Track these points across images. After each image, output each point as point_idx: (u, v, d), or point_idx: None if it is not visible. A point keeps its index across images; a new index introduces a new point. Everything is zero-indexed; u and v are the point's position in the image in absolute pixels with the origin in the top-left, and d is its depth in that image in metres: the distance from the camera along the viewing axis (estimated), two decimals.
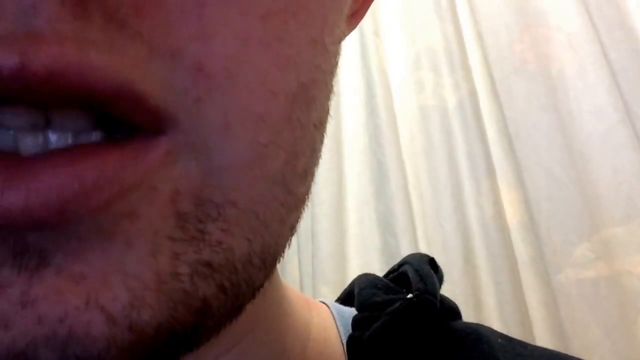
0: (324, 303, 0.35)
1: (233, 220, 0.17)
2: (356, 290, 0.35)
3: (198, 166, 0.16)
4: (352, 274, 1.04)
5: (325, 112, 0.21)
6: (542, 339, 0.98)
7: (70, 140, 0.15)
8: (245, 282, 0.18)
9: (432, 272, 0.34)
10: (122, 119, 0.16)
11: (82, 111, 0.15)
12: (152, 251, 0.16)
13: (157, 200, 0.16)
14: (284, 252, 0.21)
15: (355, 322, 0.32)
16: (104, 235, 0.15)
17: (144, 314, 0.15)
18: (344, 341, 0.32)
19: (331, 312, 0.34)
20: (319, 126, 0.21)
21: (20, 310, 0.14)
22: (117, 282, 0.15)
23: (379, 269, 1.02)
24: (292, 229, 0.21)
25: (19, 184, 0.14)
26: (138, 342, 0.15)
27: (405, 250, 1.04)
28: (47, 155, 0.15)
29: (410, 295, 0.31)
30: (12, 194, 0.14)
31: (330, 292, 1.02)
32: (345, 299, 0.38)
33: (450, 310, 0.34)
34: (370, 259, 1.06)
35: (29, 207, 0.14)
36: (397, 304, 0.30)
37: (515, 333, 0.99)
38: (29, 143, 0.15)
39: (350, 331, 0.32)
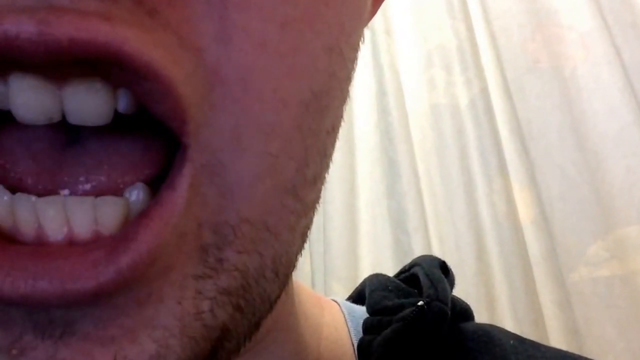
0: (335, 302, 0.35)
1: (247, 238, 0.17)
2: (367, 292, 0.35)
3: (214, 189, 0.16)
4: (364, 271, 1.03)
5: (339, 117, 0.21)
6: (556, 338, 0.97)
7: (90, 213, 0.15)
8: (259, 296, 0.18)
9: (443, 277, 0.33)
10: (146, 107, 0.15)
11: (97, 101, 0.15)
12: (179, 298, 0.16)
13: (185, 244, 0.16)
14: (296, 261, 0.21)
15: (366, 325, 0.32)
16: (139, 300, 0.15)
17: (169, 358, 0.15)
18: (355, 342, 0.32)
19: (342, 312, 0.34)
20: (331, 132, 0.20)
21: None
22: (145, 337, 0.15)
23: (391, 267, 1.02)
24: (303, 236, 0.20)
25: (52, 275, 0.14)
26: None
27: (417, 248, 1.04)
28: (79, 246, 0.15)
29: (421, 303, 0.30)
30: (46, 282, 0.14)
31: (342, 288, 1.02)
32: (357, 298, 0.38)
33: (462, 312, 0.34)
34: (382, 256, 1.06)
35: (64, 294, 0.14)
36: (408, 311, 0.30)
37: (528, 332, 0.99)
38: (51, 216, 0.15)
39: (360, 332, 0.32)
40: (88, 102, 0.15)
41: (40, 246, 0.15)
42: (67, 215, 0.15)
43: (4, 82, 0.14)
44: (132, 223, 0.15)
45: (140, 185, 0.16)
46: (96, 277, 0.14)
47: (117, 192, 0.16)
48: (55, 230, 0.15)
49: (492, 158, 1.11)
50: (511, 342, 0.33)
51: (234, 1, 0.16)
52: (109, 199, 0.16)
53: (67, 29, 0.13)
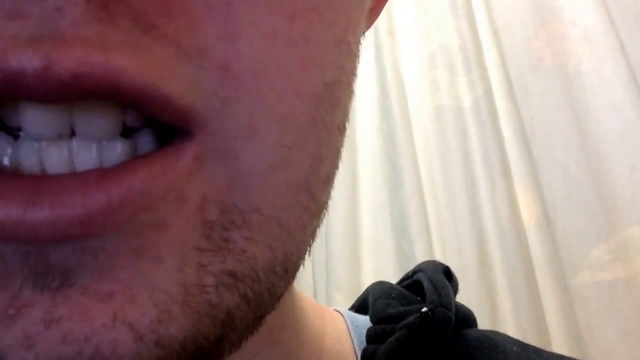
0: (338, 311, 0.35)
1: (256, 228, 0.17)
2: (370, 300, 0.35)
3: (224, 171, 0.16)
4: (367, 279, 1.03)
5: (347, 114, 0.21)
6: (559, 343, 0.97)
7: (94, 154, 0.15)
8: (267, 291, 0.18)
9: (446, 282, 0.33)
10: (151, 118, 0.16)
11: (105, 119, 0.15)
12: (180, 264, 0.16)
13: (185, 209, 0.16)
14: (304, 259, 0.21)
15: (370, 335, 0.32)
16: (133, 251, 0.15)
17: (171, 329, 0.15)
18: (358, 352, 0.32)
19: (345, 322, 0.34)
20: (342, 129, 0.20)
21: (43, 330, 0.14)
22: (145, 298, 0.15)
23: (393, 274, 1.02)
24: (313, 236, 0.20)
25: (43, 200, 0.14)
26: (165, 357, 0.15)
27: (420, 254, 1.04)
28: (74, 175, 0.15)
29: (424, 309, 0.30)
30: (37, 209, 0.14)
31: (344, 298, 1.02)
32: (360, 307, 0.37)
33: (465, 319, 0.34)
34: (384, 263, 1.06)
35: (54, 221, 0.14)
36: (412, 318, 0.30)
37: (531, 337, 0.99)
38: (54, 157, 0.15)
39: (364, 342, 0.32)
40: (97, 120, 0.15)
41: (41, 177, 0.15)
42: (72, 156, 0.15)
43: (13, 103, 0.15)
44: (130, 161, 0.16)
45: (148, 130, 0.16)
46: (85, 203, 0.14)
47: (126, 134, 0.16)
48: (56, 165, 0.15)
49: (495, 160, 1.10)
50: (514, 348, 0.32)
51: None
52: (117, 142, 0.16)
53: (68, 63, 0.13)
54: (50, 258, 0.14)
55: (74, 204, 0.14)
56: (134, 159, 0.16)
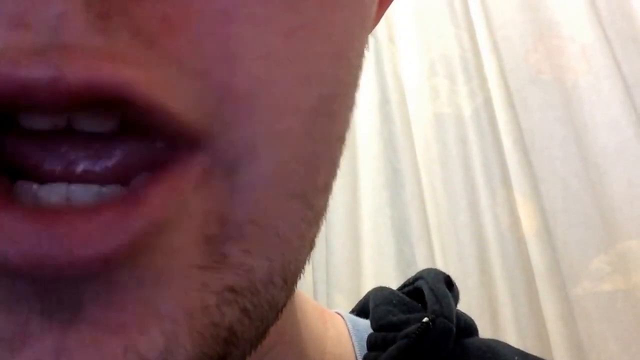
0: (339, 314, 0.35)
1: (253, 240, 0.17)
2: (371, 306, 0.35)
3: (227, 185, 0.16)
4: (367, 282, 1.03)
5: (347, 124, 0.21)
6: (559, 352, 0.97)
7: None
8: (267, 303, 0.18)
9: (447, 292, 0.33)
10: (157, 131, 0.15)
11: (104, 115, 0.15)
12: (185, 287, 0.15)
13: (191, 226, 0.16)
14: (304, 269, 0.20)
15: (370, 341, 0.32)
16: (143, 280, 0.15)
17: (179, 356, 0.15)
18: (359, 356, 0.32)
19: (346, 325, 0.34)
20: (341, 139, 0.21)
21: (54, 358, 0.14)
22: (154, 328, 0.15)
23: (394, 278, 1.01)
24: (311, 244, 0.20)
25: (60, 237, 0.14)
26: None
27: (420, 259, 1.03)
28: (91, 208, 0.14)
29: (426, 319, 0.30)
30: (55, 248, 0.13)
31: (345, 299, 1.01)
32: (361, 311, 0.37)
33: (467, 327, 0.33)
34: (385, 267, 1.05)
35: (73, 261, 0.14)
36: (413, 327, 0.30)
37: (531, 346, 0.98)
38: (52, 191, 0.15)
39: (365, 346, 0.32)
40: (94, 117, 0.15)
41: (40, 208, 0.14)
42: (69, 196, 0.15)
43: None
44: (140, 186, 0.15)
45: (145, 174, 0.16)
46: (108, 242, 0.14)
47: (123, 181, 0.16)
48: (54, 191, 0.15)
49: (495, 169, 1.11)
50: (515, 358, 0.32)
51: (234, 17, 0.15)
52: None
53: (79, 74, 0.13)
54: (62, 291, 0.14)
55: (96, 246, 0.14)
56: (144, 184, 0.15)
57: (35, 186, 0.15)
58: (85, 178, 0.15)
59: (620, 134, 1.08)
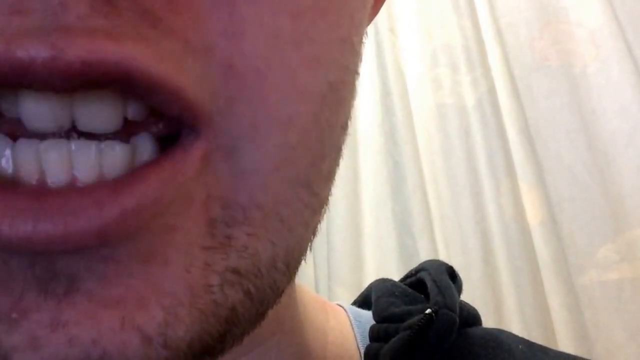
0: (341, 306, 0.35)
1: (258, 224, 0.17)
2: (373, 297, 0.35)
3: (228, 168, 0.16)
4: (369, 275, 1.03)
5: (350, 113, 0.21)
6: (565, 342, 0.96)
7: (94, 156, 0.15)
8: (269, 287, 0.18)
9: (450, 283, 0.33)
10: (159, 111, 0.16)
11: (107, 111, 0.15)
12: (187, 265, 0.16)
13: (192, 209, 0.16)
14: (306, 255, 0.21)
15: (373, 333, 0.32)
16: (142, 256, 0.15)
17: (179, 330, 0.15)
18: (361, 348, 0.32)
19: (348, 317, 0.34)
20: (345, 127, 0.21)
21: (50, 332, 0.14)
22: (153, 302, 0.15)
23: (396, 270, 1.01)
24: (314, 231, 0.21)
25: (52, 214, 0.14)
26: (172, 358, 0.15)
27: (423, 252, 1.03)
28: (85, 187, 0.15)
29: (428, 311, 0.30)
30: (48, 224, 0.14)
31: (346, 293, 1.01)
32: (363, 302, 0.37)
33: (470, 317, 0.33)
34: (386, 260, 1.05)
35: (66, 235, 0.14)
36: (416, 319, 0.30)
37: (536, 336, 0.97)
38: (54, 158, 0.15)
39: (367, 337, 0.32)
40: (98, 113, 0.15)
41: (41, 189, 0.15)
42: (71, 158, 0.15)
43: (13, 94, 0.15)
44: (139, 168, 0.16)
45: (147, 136, 0.16)
46: (100, 216, 0.14)
47: (124, 138, 0.16)
48: (57, 175, 0.15)
49: (499, 159, 1.10)
50: (520, 347, 0.32)
51: None
52: (115, 144, 0.16)
53: (79, 52, 0.13)
54: (56, 265, 0.14)
55: (88, 219, 0.14)
56: (143, 167, 0.16)
57: (36, 143, 0.15)
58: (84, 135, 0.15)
59: (631, 120, 1.06)
